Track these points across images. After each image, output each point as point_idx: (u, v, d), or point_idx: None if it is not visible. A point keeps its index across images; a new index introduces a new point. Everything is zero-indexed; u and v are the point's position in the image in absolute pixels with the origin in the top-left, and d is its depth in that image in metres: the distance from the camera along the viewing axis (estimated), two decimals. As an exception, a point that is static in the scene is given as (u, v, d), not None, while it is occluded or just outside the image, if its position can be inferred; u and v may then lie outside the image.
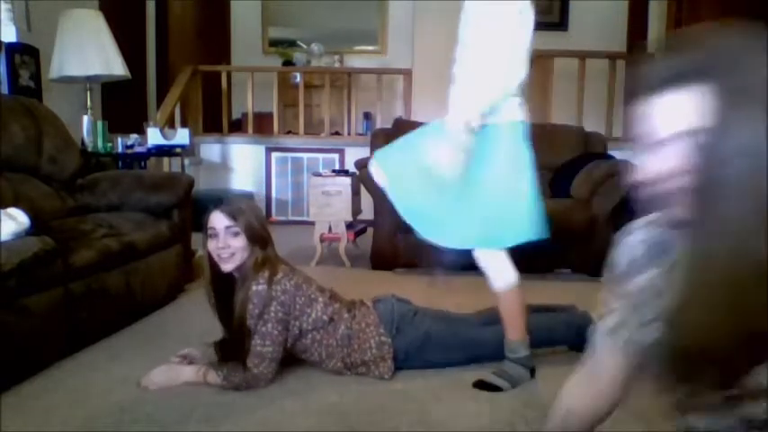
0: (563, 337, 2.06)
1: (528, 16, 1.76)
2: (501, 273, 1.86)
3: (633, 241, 0.91)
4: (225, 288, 1.88)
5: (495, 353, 1.92)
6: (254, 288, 1.79)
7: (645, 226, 0.90)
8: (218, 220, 1.83)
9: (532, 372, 1.91)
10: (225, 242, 1.81)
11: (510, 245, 1.84)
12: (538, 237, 1.81)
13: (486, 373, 1.88)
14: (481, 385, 1.85)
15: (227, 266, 1.84)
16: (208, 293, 1.92)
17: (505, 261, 1.86)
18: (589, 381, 1.00)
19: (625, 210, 3.13)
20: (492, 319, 1.94)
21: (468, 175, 1.79)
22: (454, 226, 1.86)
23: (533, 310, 2.06)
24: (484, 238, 1.84)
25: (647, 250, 0.88)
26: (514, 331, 1.89)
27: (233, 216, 1.83)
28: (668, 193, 0.73)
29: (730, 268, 0.68)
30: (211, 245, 1.84)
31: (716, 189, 0.68)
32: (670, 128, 0.71)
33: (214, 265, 1.87)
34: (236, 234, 1.82)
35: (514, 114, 1.81)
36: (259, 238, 1.86)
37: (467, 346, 1.99)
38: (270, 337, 1.79)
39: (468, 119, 1.74)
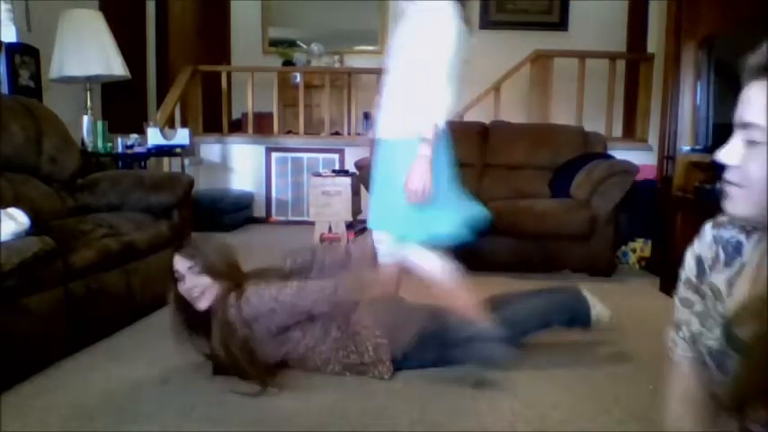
0: (558, 320, 2.07)
1: (466, 34, 1.86)
2: (433, 270, 1.91)
3: (709, 238, 0.85)
4: (205, 326, 1.88)
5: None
6: (230, 317, 1.81)
7: (726, 224, 0.84)
8: (179, 263, 1.88)
9: (511, 340, 1.89)
10: (192, 282, 1.86)
11: (426, 241, 1.89)
12: (463, 238, 1.87)
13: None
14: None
15: (201, 304, 1.87)
16: (184, 338, 1.92)
17: (433, 258, 1.91)
18: (671, 378, 0.96)
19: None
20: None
21: (390, 181, 1.92)
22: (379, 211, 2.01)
23: (528, 296, 2.11)
24: (405, 231, 1.92)
25: (719, 250, 0.83)
26: (470, 316, 1.89)
27: (192, 257, 1.88)
28: (730, 183, 0.71)
29: None
30: (181, 288, 1.88)
31: None
32: (751, 115, 0.69)
33: (185, 309, 1.89)
34: (199, 272, 1.87)
35: None
36: (223, 272, 1.89)
37: (461, 340, 1.99)
38: (287, 301, 1.82)
39: (427, 137, 1.81)
